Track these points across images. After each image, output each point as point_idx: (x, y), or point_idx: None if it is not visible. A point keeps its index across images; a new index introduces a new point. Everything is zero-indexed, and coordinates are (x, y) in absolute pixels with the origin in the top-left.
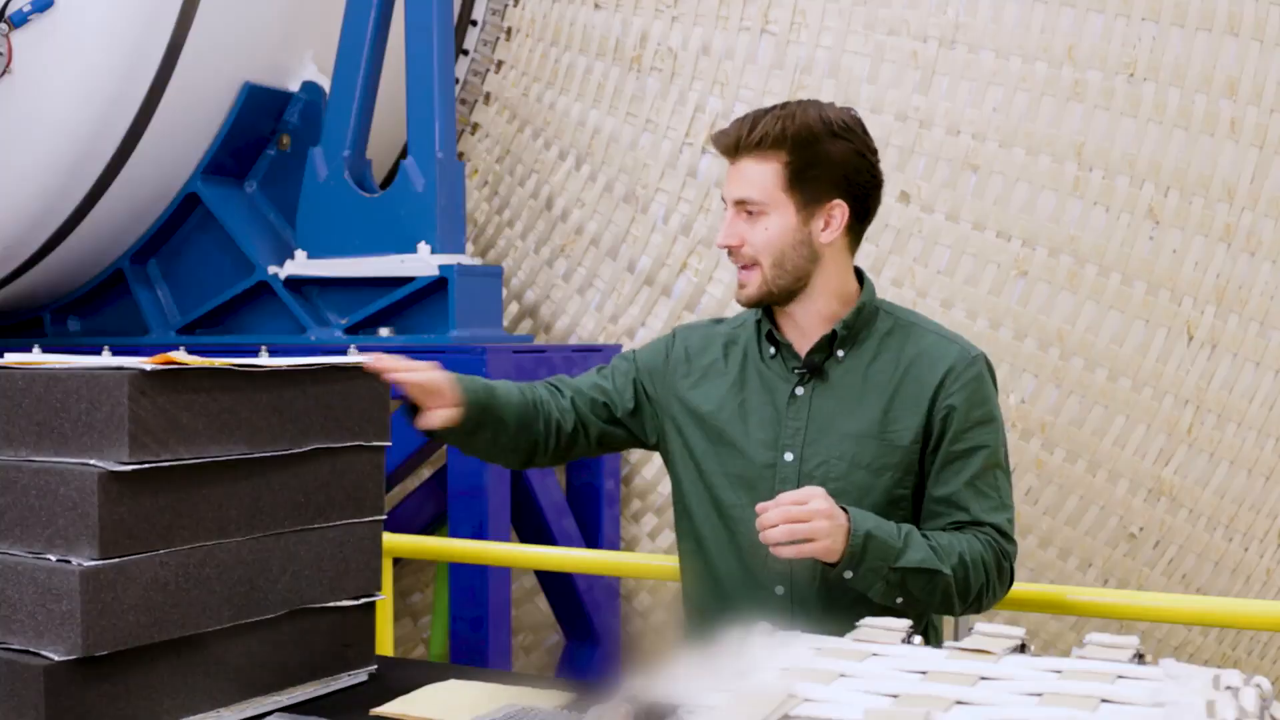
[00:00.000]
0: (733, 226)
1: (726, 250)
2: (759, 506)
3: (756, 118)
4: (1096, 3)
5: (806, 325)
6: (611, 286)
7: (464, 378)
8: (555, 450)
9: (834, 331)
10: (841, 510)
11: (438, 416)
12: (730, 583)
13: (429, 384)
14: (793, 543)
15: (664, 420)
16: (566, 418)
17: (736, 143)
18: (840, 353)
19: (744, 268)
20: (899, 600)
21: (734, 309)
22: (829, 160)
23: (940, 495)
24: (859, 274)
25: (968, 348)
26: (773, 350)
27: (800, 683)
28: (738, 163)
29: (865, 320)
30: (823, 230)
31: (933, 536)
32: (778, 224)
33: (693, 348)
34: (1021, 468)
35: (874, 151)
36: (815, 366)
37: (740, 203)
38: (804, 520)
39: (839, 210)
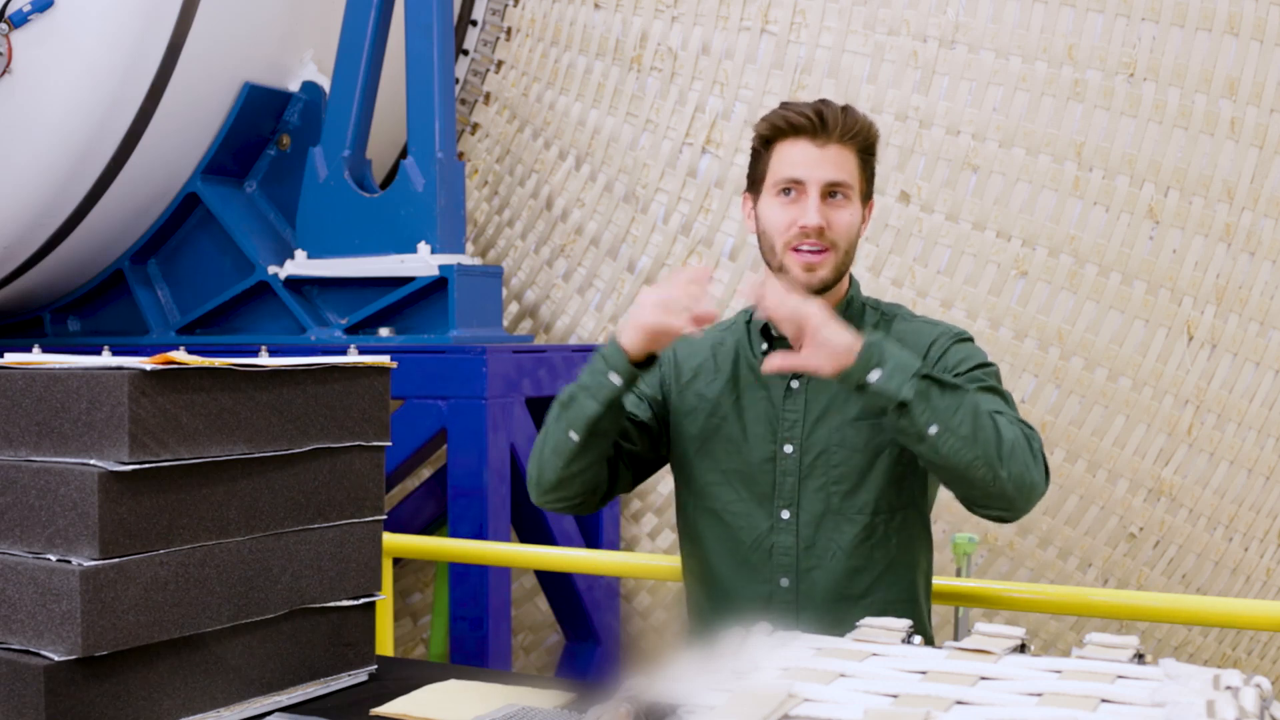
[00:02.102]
0: (821, 208)
1: (807, 231)
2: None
3: (842, 107)
4: (1096, 3)
5: None
6: (611, 286)
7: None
8: (610, 493)
9: None
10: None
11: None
12: (733, 579)
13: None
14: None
15: (671, 425)
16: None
17: (832, 127)
18: None
19: (818, 251)
20: (932, 430)
21: (730, 310)
22: (875, 159)
23: None
24: None
25: (952, 327)
26: (765, 346)
27: (800, 683)
28: (825, 146)
29: (854, 314)
30: (862, 223)
31: None
32: (856, 211)
33: (681, 353)
34: None
35: None
36: None
37: (832, 185)
38: (801, 315)
39: (871, 206)
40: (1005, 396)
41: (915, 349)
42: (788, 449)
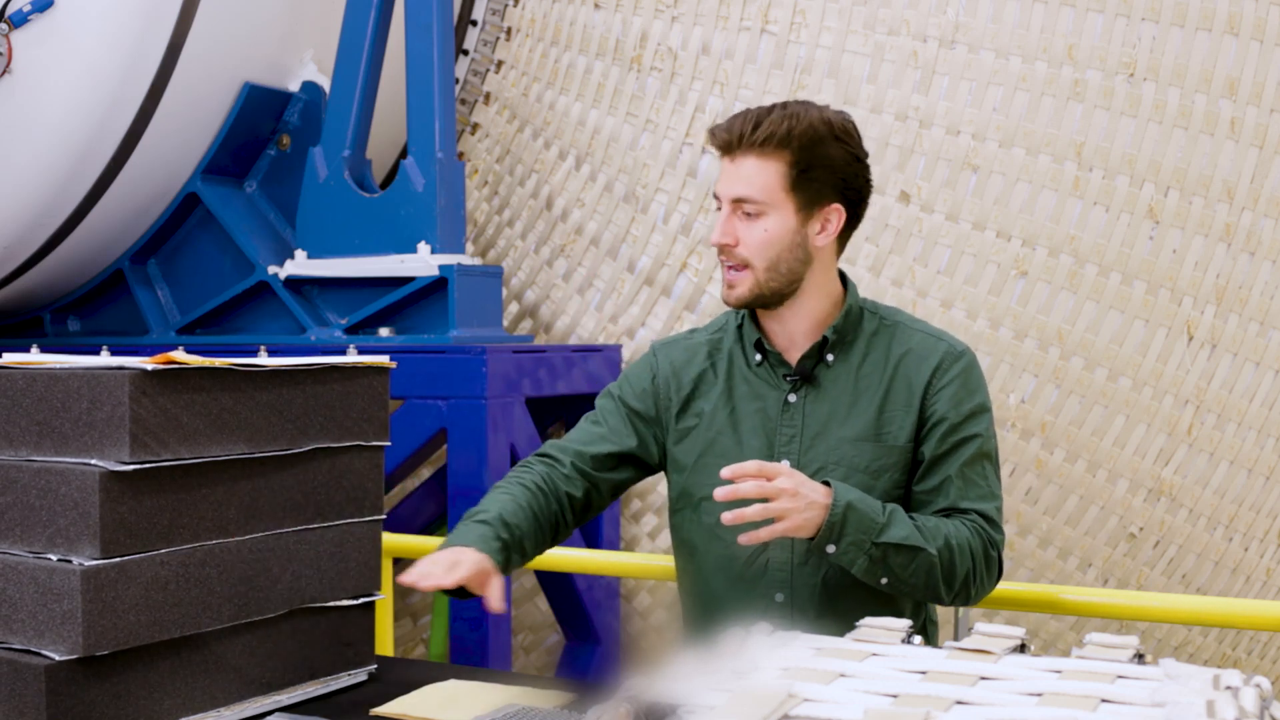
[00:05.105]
0: (728, 225)
1: (718, 249)
2: (724, 472)
3: (760, 115)
4: (1096, 3)
5: (795, 330)
6: (611, 286)
7: (486, 534)
8: (575, 522)
9: (825, 337)
10: (822, 484)
11: (495, 596)
12: (728, 592)
13: (468, 577)
14: (765, 522)
15: (665, 438)
16: (575, 486)
17: (739, 139)
18: (830, 357)
19: (734, 268)
20: (884, 581)
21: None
22: (830, 163)
23: (929, 485)
24: (840, 275)
25: (954, 343)
26: (759, 357)
27: (800, 683)
28: (737, 160)
29: (853, 323)
30: (818, 234)
31: (918, 518)
32: (776, 225)
33: (677, 362)
34: (1021, 468)
35: (867, 156)
36: (807, 373)
37: (739, 201)
38: (772, 498)
39: (835, 214)
40: (992, 458)
41: (918, 370)
42: (785, 464)
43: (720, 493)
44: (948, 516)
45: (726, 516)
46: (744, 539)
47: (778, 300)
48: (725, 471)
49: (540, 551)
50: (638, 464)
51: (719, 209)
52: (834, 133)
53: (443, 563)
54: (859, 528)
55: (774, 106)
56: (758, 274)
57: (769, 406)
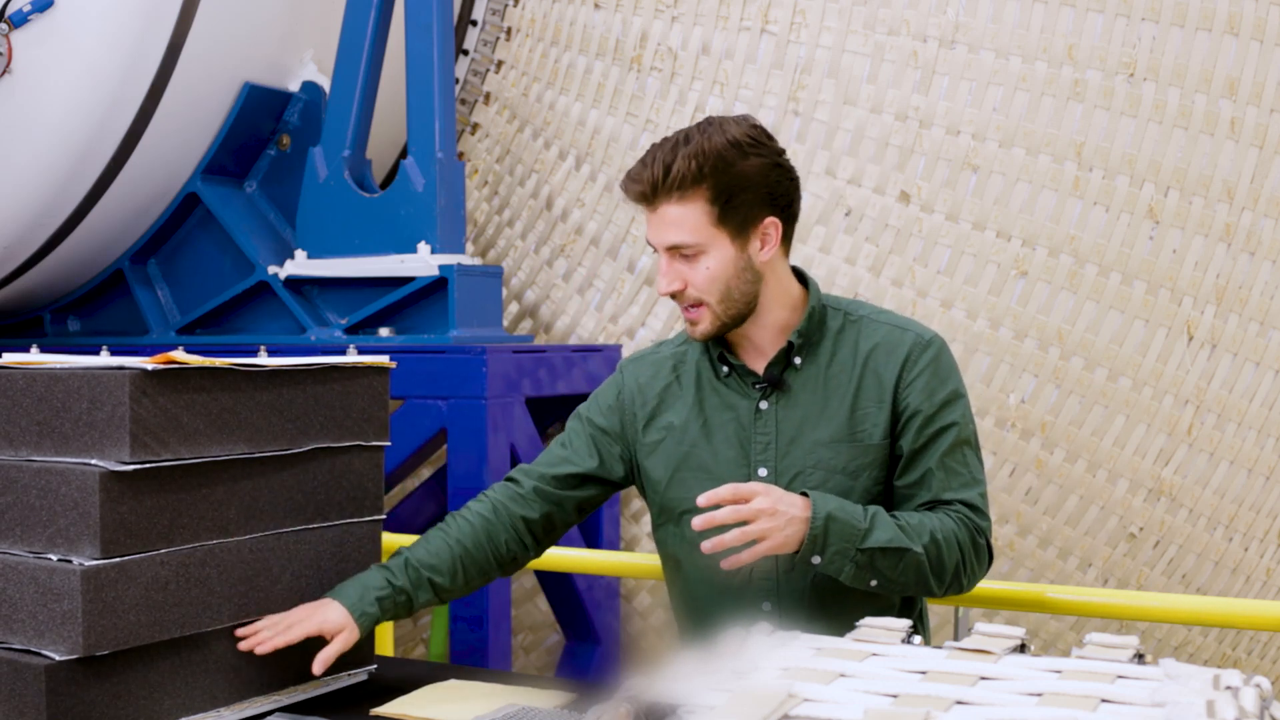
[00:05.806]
0: (672, 270)
1: (670, 296)
2: (700, 500)
3: (667, 160)
4: (1096, 3)
5: (760, 340)
6: (611, 286)
7: (372, 584)
8: (537, 545)
9: (790, 342)
10: (799, 496)
11: (320, 659)
12: (716, 602)
13: (322, 630)
14: (745, 545)
15: (633, 455)
16: (533, 509)
17: (653, 189)
18: (797, 361)
19: (691, 307)
20: (873, 584)
21: None
22: (749, 183)
23: (910, 479)
24: (798, 273)
25: (921, 332)
26: (725, 370)
27: (800, 683)
28: (659, 209)
29: (816, 324)
30: (760, 251)
31: (901, 516)
32: (717, 260)
33: (643, 378)
34: (1021, 468)
35: (784, 153)
36: (775, 379)
37: (674, 248)
38: (749, 520)
39: (772, 227)
40: (971, 443)
41: (888, 365)
42: (762, 472)
43: (698, 522)
44: (931, 509)
45: (706, 545)
46: (726, 564)
47: (740, 322)
48: (701, 499)
49: (475, 582)
50: (600, 482)
51: (655, 252)
52: (744, 151)
53: (281, 624)
54: (842, 537)
55: (676, 142)
56: (714, 308)
57: (741, 415)
